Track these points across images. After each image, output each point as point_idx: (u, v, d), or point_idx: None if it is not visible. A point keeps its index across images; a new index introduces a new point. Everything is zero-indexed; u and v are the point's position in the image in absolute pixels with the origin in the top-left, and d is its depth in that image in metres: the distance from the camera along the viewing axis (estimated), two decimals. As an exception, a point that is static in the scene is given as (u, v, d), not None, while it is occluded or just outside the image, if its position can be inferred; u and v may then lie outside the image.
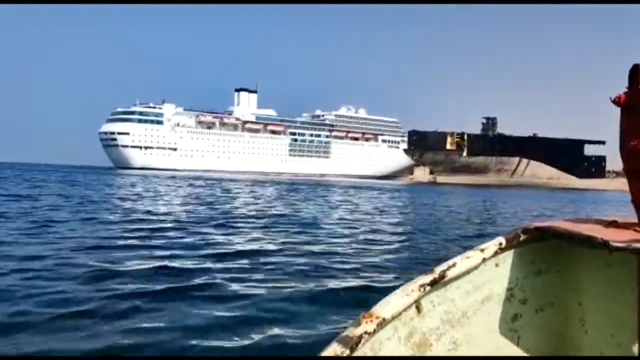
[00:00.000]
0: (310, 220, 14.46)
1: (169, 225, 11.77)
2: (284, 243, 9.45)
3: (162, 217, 13.52)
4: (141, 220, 12.39)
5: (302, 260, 7.26)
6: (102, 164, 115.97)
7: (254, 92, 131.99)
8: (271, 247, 8.92)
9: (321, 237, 10.59)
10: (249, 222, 13.12)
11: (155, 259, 7.41)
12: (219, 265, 6.88)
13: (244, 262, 7.39)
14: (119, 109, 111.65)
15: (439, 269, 1.63)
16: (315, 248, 8.84)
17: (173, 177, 58.65)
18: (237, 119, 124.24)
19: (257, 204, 20.63)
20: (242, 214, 15.72)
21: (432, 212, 20.38)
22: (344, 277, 6.11)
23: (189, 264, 7.19)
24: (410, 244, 9.88)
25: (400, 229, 12.64)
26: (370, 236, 10.88)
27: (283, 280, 5.87)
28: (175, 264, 7.16)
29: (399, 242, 10.30)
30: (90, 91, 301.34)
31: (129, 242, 8.94)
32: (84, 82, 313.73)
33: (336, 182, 75.00)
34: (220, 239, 9.86)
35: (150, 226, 11.34)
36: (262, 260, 7.51)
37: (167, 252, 8.05)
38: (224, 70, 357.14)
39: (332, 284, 5.82)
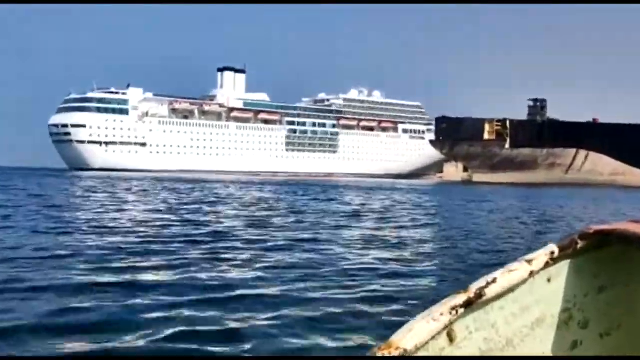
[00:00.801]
0: (319, 237, 13.73)
1: (114, 252, 10.75)
2: (287, 281, 8.15)
3: (109, 238, 12.75)
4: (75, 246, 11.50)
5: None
6: (52, 164, 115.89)
7: (242, 71, 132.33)
8: (270, 291, 7.55)
9: (336, 264, 9.69)
10: (236, 245, 12.16)
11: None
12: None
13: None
14: (73, 96, 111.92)
15: (474, 287, 1.58)
16: (330, 291, 7.51)
17: (141, 180, 59.35)
18: (221, 105, 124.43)
19: (247, 216, 20.13)
20: (228, 230, 14.93)
21: (481, 221, 19.97)
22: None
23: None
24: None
25: (451, 256, 11.58)
26: (406, 267, 9.75)
27: None
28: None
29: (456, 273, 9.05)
30: (37, 75, 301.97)
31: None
32: (28, 64, 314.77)
33: (346, 182, 75.77)
34: (191, 274, 8.66)
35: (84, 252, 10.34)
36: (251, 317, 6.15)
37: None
38: (204, 47, 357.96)
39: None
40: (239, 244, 12.03)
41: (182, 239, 12.48)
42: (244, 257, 10.37)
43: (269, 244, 12.25)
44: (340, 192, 41.98)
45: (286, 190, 43.28)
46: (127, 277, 8.18)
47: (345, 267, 9.48)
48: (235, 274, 8.58)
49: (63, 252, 10.25)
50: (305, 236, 13.83)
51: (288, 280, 8.09)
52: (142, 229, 14.44)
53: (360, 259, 10.48)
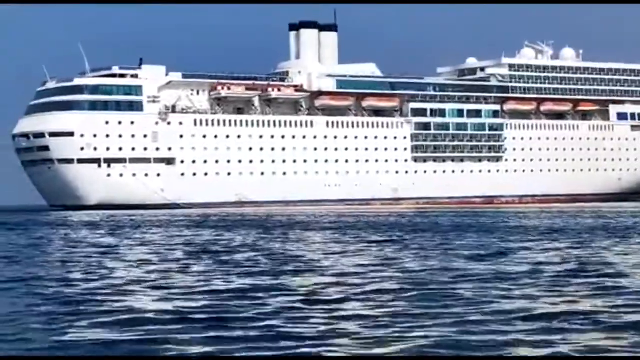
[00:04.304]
0: None
1: None
2: None
3: None
4: None
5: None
6: (20, 199, 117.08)
7: (331, 28, 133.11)
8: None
9: None
10: None
11: None
12: None
13: None
14: (50, 85, 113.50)
15: None
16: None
17: (166, 226, 60.24)
18: (298, 88, 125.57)
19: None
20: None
21: None
22: None
23: None
24: None
25: None
26: None
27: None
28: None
29: None
30: None
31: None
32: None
33: (526, 213, 78.17)
34: None
35: None
36: None
37: None
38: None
39: None
40: None
41: None
42: None
43: None
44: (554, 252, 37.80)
45: (433, 247, 39.62)
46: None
47: None
48: None
49: None
50: None
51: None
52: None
53: None
